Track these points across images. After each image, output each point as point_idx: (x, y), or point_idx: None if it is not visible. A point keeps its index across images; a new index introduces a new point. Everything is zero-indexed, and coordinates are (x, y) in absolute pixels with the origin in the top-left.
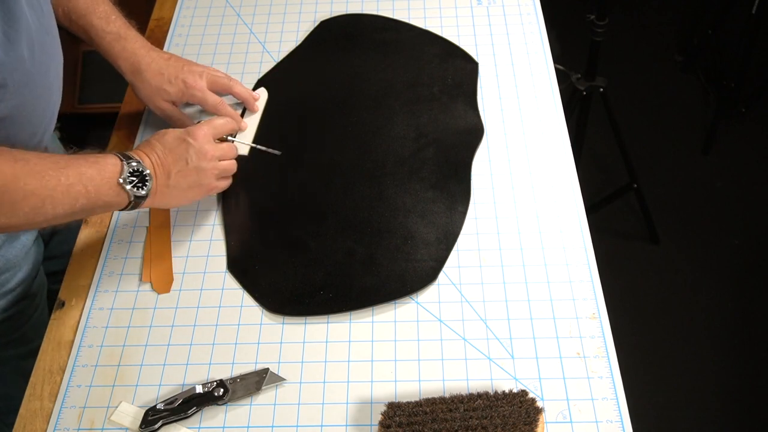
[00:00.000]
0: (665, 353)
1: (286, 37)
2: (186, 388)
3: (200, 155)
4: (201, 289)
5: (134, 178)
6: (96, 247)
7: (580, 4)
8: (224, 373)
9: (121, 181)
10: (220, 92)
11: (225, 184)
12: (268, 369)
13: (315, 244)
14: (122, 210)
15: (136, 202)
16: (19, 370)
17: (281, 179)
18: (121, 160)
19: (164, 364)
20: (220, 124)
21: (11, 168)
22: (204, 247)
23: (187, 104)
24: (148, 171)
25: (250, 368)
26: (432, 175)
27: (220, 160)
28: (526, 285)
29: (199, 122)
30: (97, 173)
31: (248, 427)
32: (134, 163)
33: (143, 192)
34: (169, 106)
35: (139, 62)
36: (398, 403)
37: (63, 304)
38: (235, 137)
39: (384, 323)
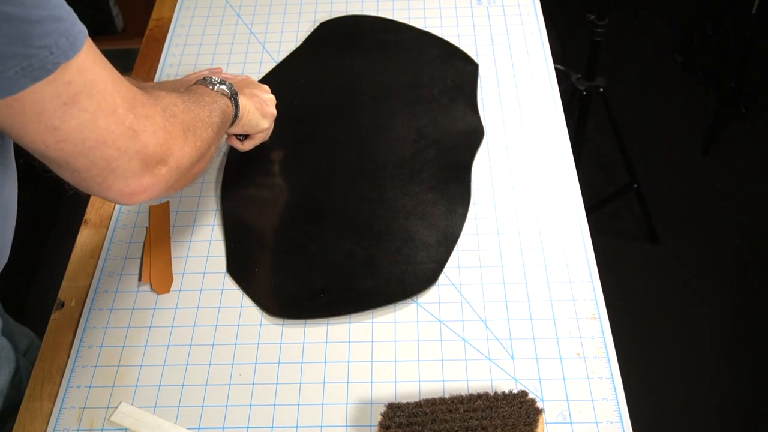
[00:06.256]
0: (665, 353)
1: (286, 37)
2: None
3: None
4: (201, 290)
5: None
6: (96, 248)
7: (580, 4)
8: (225, 375)
9: (230, 95)
10: None
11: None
12: None
13: (314, 246)
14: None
15: (235, 114)
16: None
17: (281, 181)
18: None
19: (164, 365)
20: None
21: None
22: (204, 248)
23: None
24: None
25: (250, 368)
26: (432, 176)
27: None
28: (526, 285)
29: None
30: (211, 97)
31: (248, 427)
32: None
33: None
34: None
35: None
36: (398, 403)
37: (63, 304)
38: None
39: (384, 324)
